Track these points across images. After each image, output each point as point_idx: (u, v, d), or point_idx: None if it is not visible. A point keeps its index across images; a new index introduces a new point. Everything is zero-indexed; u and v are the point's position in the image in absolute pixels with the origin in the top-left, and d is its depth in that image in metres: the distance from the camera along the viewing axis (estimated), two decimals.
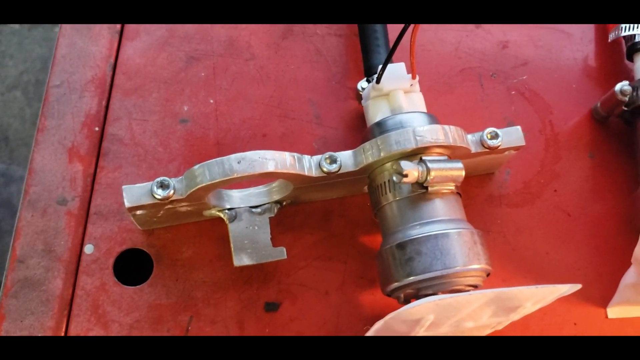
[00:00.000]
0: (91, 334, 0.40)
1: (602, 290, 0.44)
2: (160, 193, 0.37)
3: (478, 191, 0.46)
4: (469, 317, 0.33)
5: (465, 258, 0.36)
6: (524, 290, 0.31)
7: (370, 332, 0.33)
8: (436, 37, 0.50)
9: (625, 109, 0.45)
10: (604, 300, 0.44)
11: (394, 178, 0.36)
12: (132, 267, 0.42)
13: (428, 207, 0.38)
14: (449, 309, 0.31)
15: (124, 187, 0.37)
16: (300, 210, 0.44)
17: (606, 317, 0.44)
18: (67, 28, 0.47)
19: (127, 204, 0.37)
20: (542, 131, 0.48)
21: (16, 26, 1.46)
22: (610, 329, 0.44)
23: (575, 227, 0.46)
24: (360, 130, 0.46)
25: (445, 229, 0.36)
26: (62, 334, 0.40)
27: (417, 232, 0.37)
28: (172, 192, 0.37)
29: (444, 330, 0.34)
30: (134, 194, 0.38)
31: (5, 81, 1.40)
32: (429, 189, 0.37)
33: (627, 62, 0.50)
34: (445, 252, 0.36)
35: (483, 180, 0.46)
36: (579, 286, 0.32)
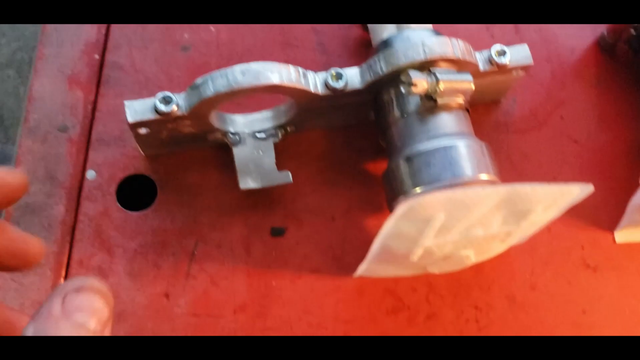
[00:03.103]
0: (94, 259, 0.40)
1: (610, 215, 0.44)
2: (163, 108, 0.36)
3: (484, 118, 0.45)
4: (479, 223, 0.33)
5: (475, 169, 0.35)
6: (537, 188, 0.30)
7: (380, 236, 0.32)
8: None
9: (634, 32, 0.45)
10: (612, 225, 0.44)
11: (402, 89, 0.36)
12: (135, 193, 0.42)
13: (436, 121, 0.37)
14: (460, 208, 0.30)
15: (126, 102, 0.37)
16: (305, 138, 0.44)
17: (614, 241, 0.44)
18: None
19: (129, 119, 0.37)
20: (548, 60, 0.48)
21: None
22: (617, 254, 0.43)
23: (582, 154, 0.45)
24: (364, 58, 0.45)
25: (454, 141, 0.36)
26: (66, 259, 0.40)
27: (425, 145, 0.36)
28: (175, 107, 0.36)
29: (454, 237, 0.33)
30: (137, 109, 0.37)
31: None
32: (438, 101, 0.36)
33: None
34: (454, 162, 0.35)
35: (489, 108, 0.46)
36: (590, 187, 0.32)
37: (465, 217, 0.31)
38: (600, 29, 0.48)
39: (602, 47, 0.48)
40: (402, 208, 0.29)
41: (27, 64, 1.39)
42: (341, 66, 0.45)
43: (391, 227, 0.31)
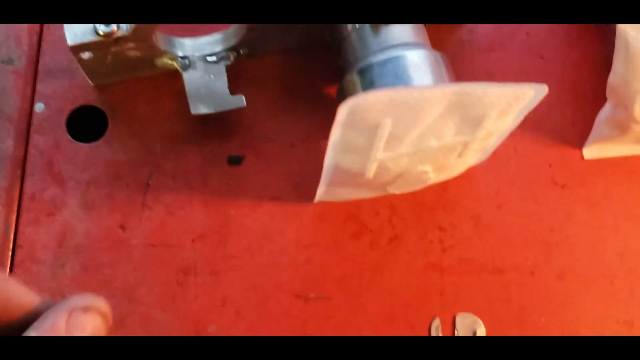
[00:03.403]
0: (47, 192, 0.39)
1: (577, 132, 0.43)
2: (103, 28, 0.35)
3: (448, 37, 0.44)
4: (431, 132, 0.31)
5: (429, 78, 0.34)
6: (487, 89, 0.29)
7: (329, 149, 0.31)
8: None
9: None
10: (580, 142, 0.43)
11: None
12: (86, 124, 0.40)
13: (389, 32, 0.36)
14: (406, 112, 0.29)
15: (65, 25, 0.35)
16: (261, 64, 0.42)
17: (582, 158, 0.43)
18: None
19: (69, 42, 0.35)
20: None
21: None
22: (586, 170, 0.42)
23: (549, 70, 0.44)
24: None
25: (407, 51, 0.35)
26: (17, 194, 0.39)
27: (377, 57, 0.35)
28: (115, 27, 0.35)
29: (407, 148, 0.32)
30: (77, 32, 0.35)
31: None
32: None
33: None
34: (407, 73, 0.34)
35: (452, 26, 0.44)
36: (545, 88, 0.30)
37: (415, 125, 0.30)
38: None
39: None
40: (342, 111, 0.27)
41: None
42: None
43: (338, 137, 0.30)
